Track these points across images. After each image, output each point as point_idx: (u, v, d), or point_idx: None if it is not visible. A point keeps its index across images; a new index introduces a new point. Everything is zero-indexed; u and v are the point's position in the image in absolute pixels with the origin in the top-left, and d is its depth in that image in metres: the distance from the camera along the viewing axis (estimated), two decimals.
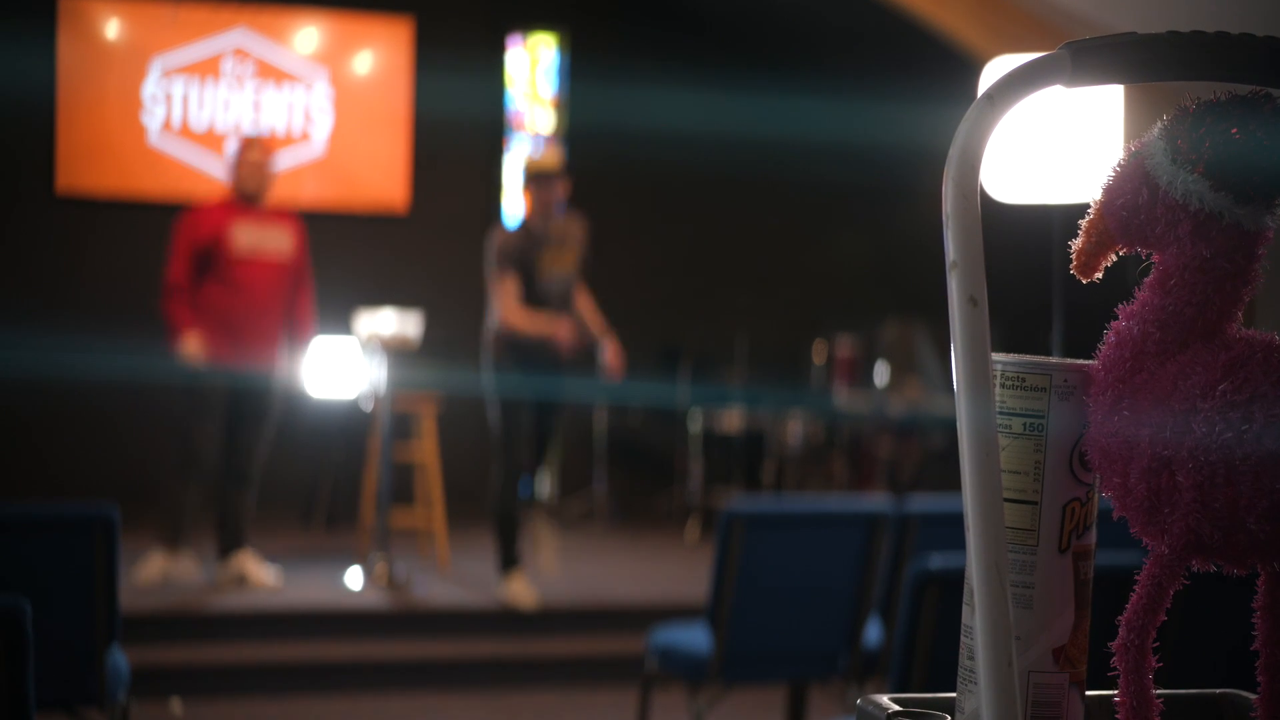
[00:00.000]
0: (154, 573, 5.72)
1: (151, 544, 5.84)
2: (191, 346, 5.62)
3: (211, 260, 5.74)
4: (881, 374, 7.93)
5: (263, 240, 5.81)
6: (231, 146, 7.56)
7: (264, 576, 5.79)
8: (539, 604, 5.66)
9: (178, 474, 5.81)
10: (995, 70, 3.31)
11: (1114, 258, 0.96)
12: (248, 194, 5.81)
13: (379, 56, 8.51)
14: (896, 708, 0.94)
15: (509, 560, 5.70)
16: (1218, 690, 1.05)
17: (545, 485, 7.79)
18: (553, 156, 6.00)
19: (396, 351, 6.07)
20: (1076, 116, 3.36)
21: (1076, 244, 0.96)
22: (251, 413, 5.81)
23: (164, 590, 5.64)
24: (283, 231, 5.89)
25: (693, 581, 6.06)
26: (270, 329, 5.82)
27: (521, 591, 5.64)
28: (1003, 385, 0.93)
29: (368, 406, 6.65)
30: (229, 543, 5.83)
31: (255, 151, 5.87)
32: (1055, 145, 3.35)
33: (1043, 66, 0.85)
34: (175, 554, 5.79)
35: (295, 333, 5.93)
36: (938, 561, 2.58)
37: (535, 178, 5.60)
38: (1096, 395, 0.92)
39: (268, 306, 5.80)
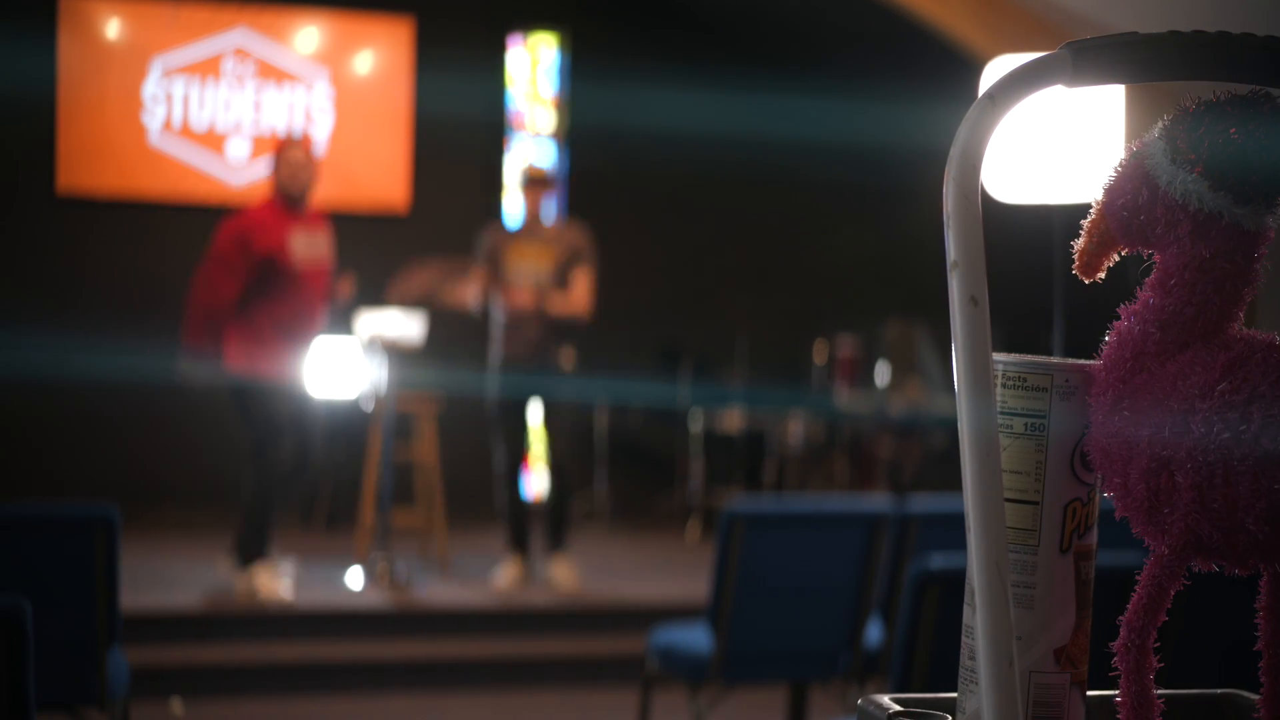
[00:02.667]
0: (251, 587, 5.49)
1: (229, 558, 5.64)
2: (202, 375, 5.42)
3: (269, 275, 5.40)
4: (882, 374, 7.93)
5: (312, 247, 5.52)
6: (240, 148, 7.49)
7: (278, 589, 5.56)
8: (519, 588, 5.92)
9: (260, 487, 5.45)
10: (996, 70, 3.31)
11: (1116, 258, 0.96)
12: (293, 197, 5.49)
13: (379, 56, 8.51)
14: (897, 708, 0.94)
15: (508, 549, 6.00)
16: (1219, 691, 1.05)
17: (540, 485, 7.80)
18: (542, 163, 6.29)
19: (398, 352, 6.06)
20: (1077, 116, 3.36)
21: (1079, 244, 0.96)
22: (299, 415, 5.64)
23: (168, 590, 5.64)
24: (324, 235, 5.64)
25: (693, 582, 6.06)
26: (315, 336, 5.62)
27: (509, 577, 5.95)
28: (1004, 385, 0.93)
29: (368, 407, 6.66)
30: (258, 550, 5.57)
31: (298, 151, 5.54)
32: (1056, 145, 3.35)
33: (1044, 66, 0.85)
34: (270, 567, 5.57)
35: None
36: (938, 561, 2.58)
37: (525, 181, 6.11)
38: (1098, 395, 0.92)
39: (319, 315, 5.59)
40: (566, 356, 6.07)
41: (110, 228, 8.15)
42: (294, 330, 5.47)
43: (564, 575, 5.95)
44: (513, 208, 8.79)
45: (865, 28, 7.48)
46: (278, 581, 5.56)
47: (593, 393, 8.09)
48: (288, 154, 5.55)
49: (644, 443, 8.80)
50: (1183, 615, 1.41)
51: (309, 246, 5.51)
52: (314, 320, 5.58)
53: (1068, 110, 3.32)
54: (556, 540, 6.02)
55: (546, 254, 5.89)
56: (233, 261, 5.35)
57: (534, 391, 5.94)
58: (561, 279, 5.87)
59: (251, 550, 5.50)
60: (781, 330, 8.84)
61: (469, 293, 5.95)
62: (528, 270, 5.87)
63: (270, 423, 5.45)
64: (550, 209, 6.13)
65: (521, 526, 6.06)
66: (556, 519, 6.03)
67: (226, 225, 5.52)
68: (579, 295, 5.86)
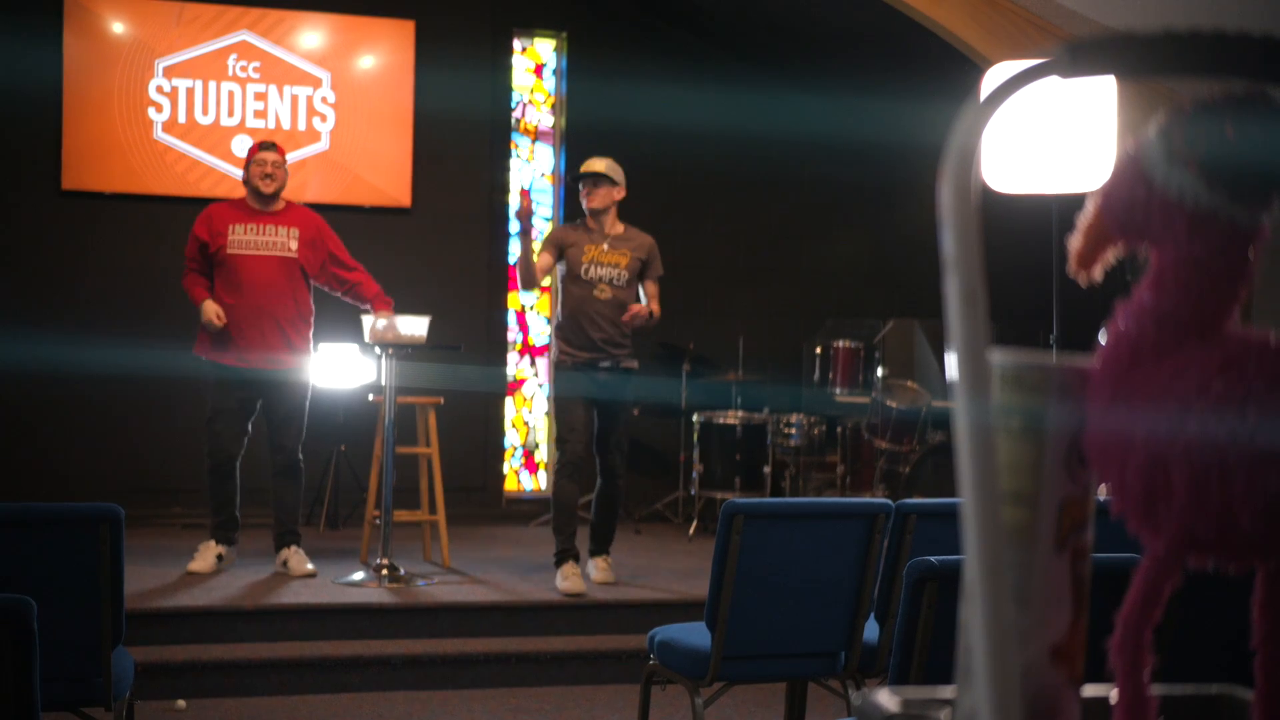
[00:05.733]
0: (208, 562, 5.94)
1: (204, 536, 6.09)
2: (208, 312, 5.76)
3: (212, 259, 5.87)
4: (881, 372, 7.93)
5: (261, 235, 5.88)
6: (244, 144, 7.62)
7: (304, 567, 6.01)
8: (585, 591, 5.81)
9: (213, 464, 5.91)
10: (997, 78, 3.31)
11: (1112, 259, 0.97)
12: (261, 196, 5.91)
13: (382, 59, 8.51)
14: (895, 705, 0.94)
15: (559, 553, 5.88)
16: (1215, 687, 1.05)
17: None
18: (598, 160, 6.04)
19: (402, 350, 6.06)
20: (1072, 105, 3.37)
21: (1074, 245, 0.97)
22: (280, 409, 5.93)
23: (171, 588, 5.65)
24: (289, 229, 5.93)
25: (693, 579, 6.06)
26: (271, 326, 5.85)
27: (569, 580, 5.80)
28: (1001, 383, 0.94)
29: (372, 404, 6.66)
30: (279, 539, 6.03)
31: (271, 153, 5.95)
32: (1051, 135, 3.36)
33: (1042, 70, 0.85)
34: (227, 547, 6.01)
35: (358, 294, 6.07)
36: (936, 558, 2.58)
37: (579, 176, 6.06)
38: (1094, 393, 0.92)
39: (266, 303, 5.84)
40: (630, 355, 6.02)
41: (115, 223, 8.16)
42: (236, 317, 5.80)
43: (604, 574, 6.00)
44: (513, 208, 8.81)
45: (863, 28, 7.48)
46: (202, 560, 5.94)
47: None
48: (259, 154, 5.94)
49: (644, 440, 8.80)
50: (1180, 612, 1.41)
51: (255, 234, 5.88)
52: (261, 310, 5.83)
53: (1062, 99, 3.33)
54: (604, 542, 6.03)
55: (620, 261, 5.94)
56: (190, 248, 5.92)
57: (602, 390, 5.89)
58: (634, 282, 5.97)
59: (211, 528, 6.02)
60: (780, 328, 8.85)
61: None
62: (604, 267, 5.93)
63: (208, 412, 5.89)
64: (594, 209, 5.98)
65: (569, 525, 5.99)
66: (604, 520, 6.00)
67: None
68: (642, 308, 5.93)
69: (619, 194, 5.98)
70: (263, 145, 6.00)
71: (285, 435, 5.94)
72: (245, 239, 5.86)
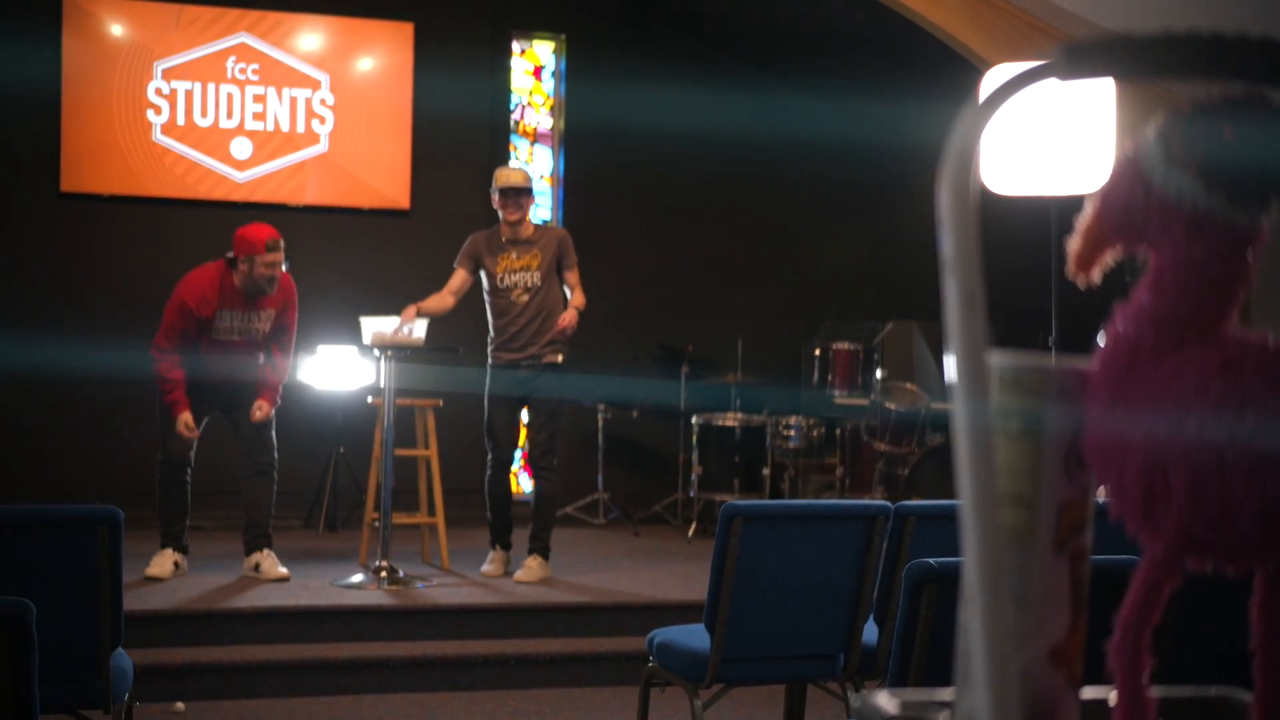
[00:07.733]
0: (166, 568, 5.89)
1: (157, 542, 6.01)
2: (181, 425, 5.73)
3: (193, 336, 5.81)
4: (879, 374, 7.93)
5: (244, 323, 5.86)
6: (244, 147, 7.55)
7: (276, 570, 5.97)
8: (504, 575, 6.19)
9: (165, 472, 5.91)
10: (995, 80, 3.31)
11: (1111, 261, 0.97)
12: (250, 296, 5.81)
13: (381, 61, 8.51)
14: (894, 706, 0.94)
15: (491, 542, 6.28)
16: (1213, 690, 1.05)
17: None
18: (518, 172, 6.15)
19: (400, 355, 6.07)
20: (1069, 107, 3.37)
21: (1073, 247, 0.97)
22: (244, 410, 5.93)
23: (169, 590, 5.65)
24: (267, 312, 5.90)
25: (692, 581, 6.07)
26: (244, 377, 5.91)
27: (489, 565, 6.27)
28: (1000, 385, 0.93)
29: (370, 408, 6.66)
30: (251, 543, 5.97)
31: (278, 254, 5.76)
32: (1049, 137, 3.36)
33: (1041, 72, 0.85)
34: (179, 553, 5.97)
35: (263, 373, 5.98)
36: (934, 560, 2.58)
37: (500, 190, 6.14)
38: (1093, 395, 0.92)
39: (232, 374, 5.88)
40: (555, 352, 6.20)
41: (114, 226, 8.15)
42: (199, 378, 5.83)
43: (528, 573, 6.13)
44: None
45: (862, 29, 7.49)
46: (160, 566, 5.91)
47: (592, 392, 8.09)
48: (267, 255, 5.73)
49: (643, 442, 8.80)
50: (1177, 614, 1.41)
51: (240, 321, 5.85)
52: (227, 379, 5.87)
53: (1060, 101, 3.33)
54: (532, 540, 6.18)
55: (530, 263, 6.10)
56: (171, 331, 5.79)
57: (523, 388, 6.18)
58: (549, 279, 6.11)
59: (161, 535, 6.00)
60: (779, 330, 8.85)
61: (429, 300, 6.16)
62: (518, 274, 6.12)
63: (159, 413, 5.89)
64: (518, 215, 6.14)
65: (495, 519, 6.28)
66: (538, 520, 6.20)
67: (175, 292, 5.85)
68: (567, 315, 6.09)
69: (533, 200, 6.19)
70: (269, 245, 5.72)
71: (261, 432, 5.92)
72: (229, 325, 5.84)
